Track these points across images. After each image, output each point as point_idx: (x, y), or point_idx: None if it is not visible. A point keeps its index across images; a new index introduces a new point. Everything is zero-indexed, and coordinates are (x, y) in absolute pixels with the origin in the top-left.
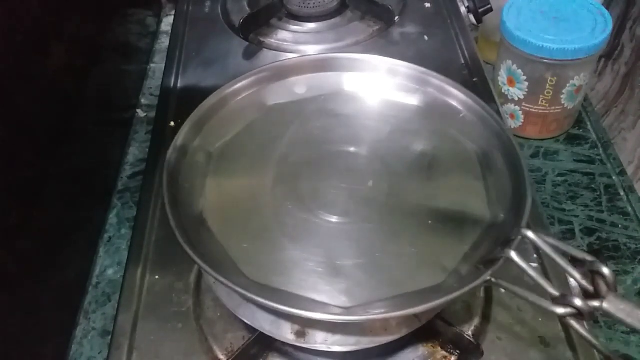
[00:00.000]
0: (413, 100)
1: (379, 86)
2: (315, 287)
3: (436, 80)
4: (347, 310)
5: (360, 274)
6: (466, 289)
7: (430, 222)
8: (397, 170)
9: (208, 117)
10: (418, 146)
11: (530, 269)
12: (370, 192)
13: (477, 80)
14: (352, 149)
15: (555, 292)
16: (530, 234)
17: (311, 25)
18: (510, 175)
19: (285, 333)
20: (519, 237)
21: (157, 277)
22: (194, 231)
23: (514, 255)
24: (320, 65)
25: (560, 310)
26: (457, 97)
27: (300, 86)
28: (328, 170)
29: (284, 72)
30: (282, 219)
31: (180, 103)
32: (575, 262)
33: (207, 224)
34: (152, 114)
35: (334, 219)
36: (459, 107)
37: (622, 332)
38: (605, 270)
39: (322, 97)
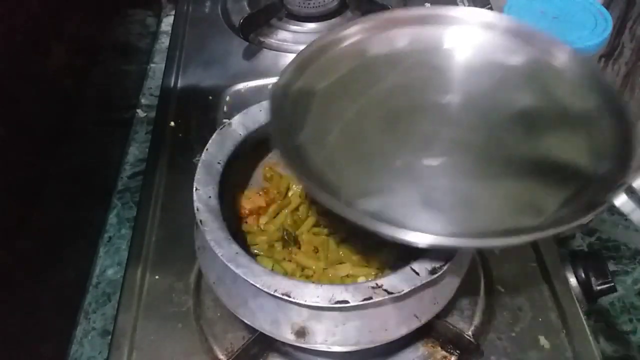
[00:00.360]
0: (515, 57)
1: (480, 41)
2: (412, 219)
3: (539, 36)
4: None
5: (455, 212)
6: (564, 227)
7: (530, 169)
8: (496, 123)
9: (310, 61)
10: (519, 102)
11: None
12: (470, 140)
13: None
14: (451, 101)
15: None
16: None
17: (311, 25)
18: (615, 129)
19: (285, 333)
20: (625, 184)
21: (157, 277)
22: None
23: (618, 200)
24: (422, 18)
25: None
26: (559, 53)
27: (401, 38)
28: (427, 118)
29: (385, 24)
30: (382, 154)
31: (180, 103)
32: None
33: (309, 154)
34: (152, 114)
35: (432, 160)
36: (562, 63)
37: (622, 332)
38: None
39: (422, 50)
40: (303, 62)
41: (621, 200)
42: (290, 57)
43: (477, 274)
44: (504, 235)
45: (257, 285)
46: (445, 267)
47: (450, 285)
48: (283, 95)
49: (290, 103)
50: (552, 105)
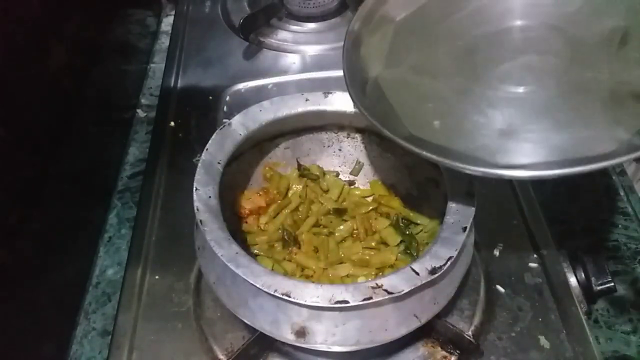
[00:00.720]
0: None
1: None
2: (481, 147)
3: None
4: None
5: (529, 141)
6: (633, 155)
7: (611, 96)
8: (582, 45)
9: None
10: (609, 22)
11: None
12: (551, 65)
13: None
14: (535, 23)
15: None
16: None
17: (311, 25)
18: None
19: (285, 333)
20: None
21: (157, 277)
22: (368, 92)
23: None
24: None
25: None
26: None
27: None
28: (509, 44)
29: None
30: (456, 86)
31: (180, 103)
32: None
33: (381, 87)
34: (152, 114)
35: (508, 88)
36: None
37: (622, 332)
38: None
39: None
40: None
41: None
42: (291, 57)
43: (477, 274)
44: (583, 163)
45: (257, 285)
46: (445, 267)
47: (450, 285)
48: (363, 25)
49: (369, 34)
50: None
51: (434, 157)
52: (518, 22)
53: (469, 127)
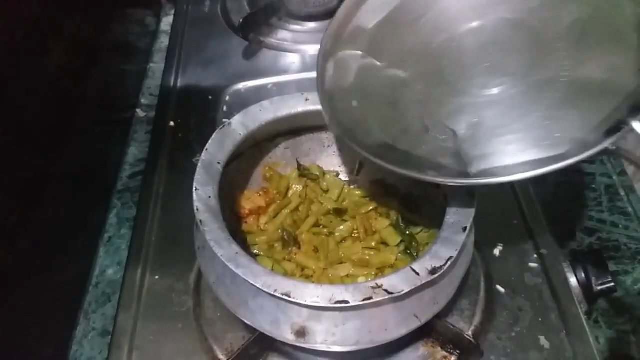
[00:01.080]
0: None
1: None
2: (450, 153)
3: None
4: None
5: (481, 143)
6: (581, 156)
7: (570, 91)
8: (544, 39)
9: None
10: (571, 14)
11: None
12: (514, 64)
13: None
14: (497, 20)
15: None
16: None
17: (311, 25)
18: None
19: (285, 333)
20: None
21: (157, 277)
22: (340, 102)
23: (636, 125)
24: None
25: None
26: None
27: None
28: (473, 44)
29: None
30: (425, 94)
31: (180, 103)
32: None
33: (352, 97)
34: (152, 114)
35: (474, 92)
36: None
37: (622, 332)
38: None
39: None
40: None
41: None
42: (291, 56)
43: (477, 274)
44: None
45: (257, 286)
46: (445, 267)
47: (450, 285)
48: (338, 34)
49: (342, 44)
50: (605, 15)
51: (395, 168)
52: (480, 21)
53: (436, 134)
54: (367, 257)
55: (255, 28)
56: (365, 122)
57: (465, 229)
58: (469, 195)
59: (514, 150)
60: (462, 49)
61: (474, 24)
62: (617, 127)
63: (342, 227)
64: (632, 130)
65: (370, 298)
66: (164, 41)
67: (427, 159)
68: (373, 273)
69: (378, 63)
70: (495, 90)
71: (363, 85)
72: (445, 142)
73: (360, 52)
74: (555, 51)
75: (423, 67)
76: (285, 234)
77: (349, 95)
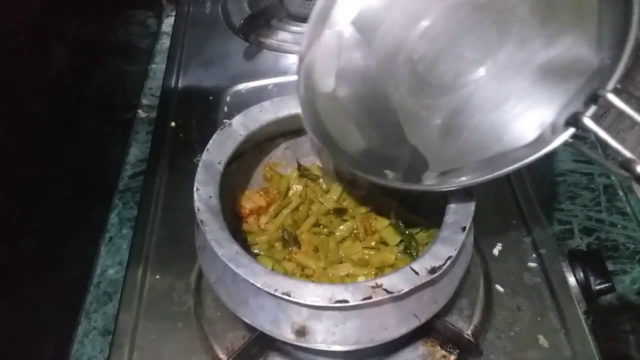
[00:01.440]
0: None
1: None
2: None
3: None
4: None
5: (466, 142)
6: (541, 153)
7: (538, 74)
8: (511, 19)
9: None
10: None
11: (603, 134)
12: (481, 51)
13: None
14: (459, 6)
15: (628, 154)
16: (610, 97)
17: None
18: (625, 10)
19: (286, 332)
20: (596, 102)
21: (157, 276)
22: (322, 106)
23: (587, 121)
24: None
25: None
26: None
27: None
28: (442, 36)
29: None
30: (400, 96)
31: (181, 103)
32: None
33: (337, 97)
34: (153, 114)
35: (448, 87)
36: None
37: (621, 332)
38: None
39: None
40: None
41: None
42: (291, 57)
43: (477, 273)
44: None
45: (258, 285)
46: (444, 267)
47: (449, 284)
48: (316, 34)
49: (323, 47)
50: None
51: (367, 176)
52: (437, 14)
53: (412, 139)
54: (367, 257)
55: (255, 29)
56: (345, 127)
57: (464, 228)
58: (468, 195)
59: (485, 146)
60: (432, 43)
61: (432, 20)
62: (590, 102)
63: (342, 227)
64: (608, 102)
65: (370, 297)
66: (165, 42)
67: (404, 163)
68: (373, 273)
69: (359, 63)
70: (467, 85)
71: (343, 89)
72: (422, 149)
73: (337, 55)
74: (523, 30)
75: (397, 70)
76: (285, 233)
77: (329, 100)
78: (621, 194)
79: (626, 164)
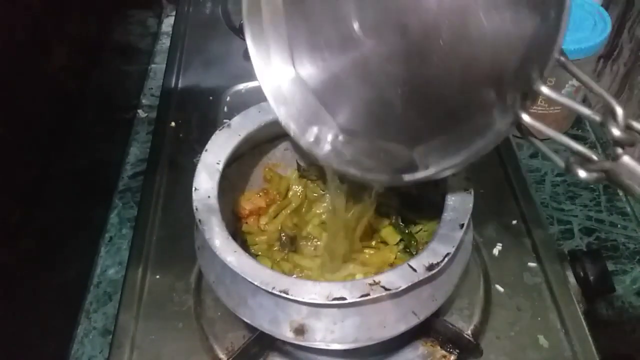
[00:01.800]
0: None
1: None
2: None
3: None
4: None
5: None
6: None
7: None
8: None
9: None
10: None
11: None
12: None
13: None
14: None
15: (579, 148)
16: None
17: None
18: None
19: (285, 331)
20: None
21: (157, 276)
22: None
23: (526, 117)
24: None
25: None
26: None
27: None
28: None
29: None
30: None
31: (181, 103)
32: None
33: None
34: (153, 114)
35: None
36: None
37: (621, 332)
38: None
39: None
40: None
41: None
42: None
43: (477, 273)
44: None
45: (256, 283)
46: (442, 264)
47: (448, 282)
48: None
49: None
50: None
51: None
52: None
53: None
54: (367, 256)
55: None
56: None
57: (462, 225)
58: (466, 193)
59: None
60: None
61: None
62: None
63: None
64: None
65: (368, 294)
66: (165, 42)
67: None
68: (373, 272)
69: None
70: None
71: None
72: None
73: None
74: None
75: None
76: (283, 237)
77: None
78: (621, 194)
79: (568, 165)
